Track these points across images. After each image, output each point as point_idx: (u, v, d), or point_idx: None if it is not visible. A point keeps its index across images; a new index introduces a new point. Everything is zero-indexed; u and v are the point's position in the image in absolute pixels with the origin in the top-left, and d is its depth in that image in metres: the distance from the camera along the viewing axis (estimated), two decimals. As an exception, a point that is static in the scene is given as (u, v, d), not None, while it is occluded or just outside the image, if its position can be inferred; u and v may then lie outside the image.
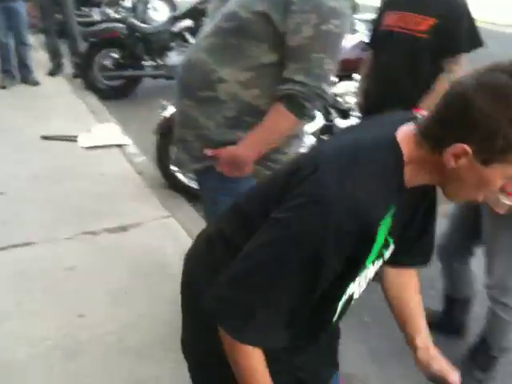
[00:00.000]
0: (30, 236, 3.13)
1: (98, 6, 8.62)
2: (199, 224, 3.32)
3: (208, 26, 1.85)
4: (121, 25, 5.82)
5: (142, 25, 6.12)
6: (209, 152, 1.84)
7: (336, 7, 1.65)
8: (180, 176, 3.76)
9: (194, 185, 3.73)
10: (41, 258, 2.94)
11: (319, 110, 3.26)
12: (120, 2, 8.67)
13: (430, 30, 2.48)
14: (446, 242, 2.41)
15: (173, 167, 3.69)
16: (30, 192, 3.67)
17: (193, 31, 5.96)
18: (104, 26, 5.95)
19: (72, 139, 4.57)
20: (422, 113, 1.70)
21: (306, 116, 1.76)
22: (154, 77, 5.99)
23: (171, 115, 3.58)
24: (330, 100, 3.11)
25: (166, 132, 3.62)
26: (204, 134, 1.84)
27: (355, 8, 4.96)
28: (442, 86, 2.46)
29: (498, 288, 2.13)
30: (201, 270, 1.24)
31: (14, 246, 3.05)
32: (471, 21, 2.51)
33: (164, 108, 3.73)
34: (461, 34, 2.49)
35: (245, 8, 1.71)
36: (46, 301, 2.62)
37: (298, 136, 1.95)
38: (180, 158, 1.99)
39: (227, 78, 1.75)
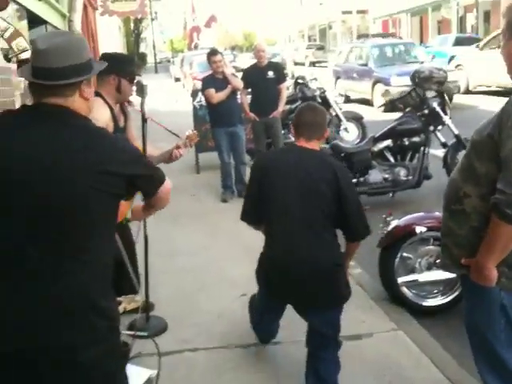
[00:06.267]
0: None
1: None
2: (429, 339, 3.34)
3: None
4: (326, 146, 6.33)
5: (346, 145, 6.60)
6: (464, 260, 2.09)
7: None
8: (405, 291, 3.83)
9: (420, 301, 3.78)
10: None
11: None
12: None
13: None
14: None
15: (399, 280, 3.78)
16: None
17: (392, 150, 6.28)
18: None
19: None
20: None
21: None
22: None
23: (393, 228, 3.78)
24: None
25: (388, 246, 3.79)
26: (459, 241, 2.10)
27: None
28: None
29: None
30: None
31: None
32: None
33: (387, 223, 3.91)
34: None
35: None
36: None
37: None
38: (445, 263, 2.25)
39: (470, 194, 2.04)
